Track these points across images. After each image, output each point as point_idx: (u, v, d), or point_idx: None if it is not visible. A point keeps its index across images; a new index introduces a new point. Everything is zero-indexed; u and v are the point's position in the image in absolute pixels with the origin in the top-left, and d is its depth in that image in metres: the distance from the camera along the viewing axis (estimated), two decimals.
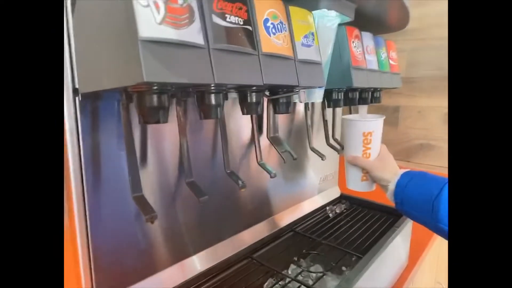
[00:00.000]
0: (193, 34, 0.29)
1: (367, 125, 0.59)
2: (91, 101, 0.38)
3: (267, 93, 0.48)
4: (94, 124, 0.39)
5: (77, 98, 0.34)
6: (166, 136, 0.47)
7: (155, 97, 0.30)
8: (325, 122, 0.71)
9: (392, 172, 0.58)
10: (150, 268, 0.47)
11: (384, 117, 0.60)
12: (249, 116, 0.55)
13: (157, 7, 0.26)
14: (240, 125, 0.59)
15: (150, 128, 0.45)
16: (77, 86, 0.33)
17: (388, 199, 0.59)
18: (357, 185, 0.63)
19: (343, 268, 0.61)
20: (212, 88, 0.35)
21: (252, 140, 0.57)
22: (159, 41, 0.26)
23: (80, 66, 0.33)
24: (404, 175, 0.56)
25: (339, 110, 0.81)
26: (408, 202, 0.54)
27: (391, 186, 0.56)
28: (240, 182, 0.46)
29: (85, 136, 0.37)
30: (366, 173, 0.61)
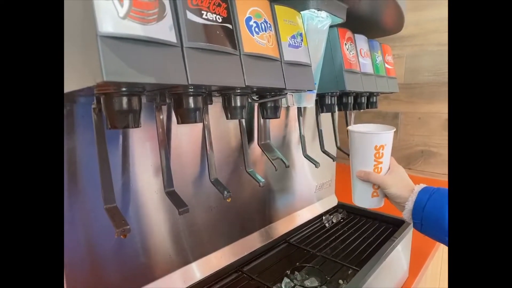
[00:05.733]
0: (163, 30, 0.26)
1: (380, 137, 0.52)
2: (67, 106, 0.37)
3: (255, 97, 0.46)
4: (69, 129, 0.37)
5: None
6: (149, 142, 0.45)
7: (124, 100, 0.28)
8: (319, 128, 0.69)
9: (407, 188, 0.52)
10: (129, 283, 0.44)
11: (395, 129, 0.54)
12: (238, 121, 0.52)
13: (121, 0, 0.24)
14: (232, 130, 0.56)
15: (133, 133, 0.43)
16: None
17: (395, 212, 0.55)
18: (367, 202, 0.57)
19: (340, 281, 0.58)
20: (190, 90, 0.33)
21: (241, 147, 0.54)
22: (122, 38, 0.24)
23: None
24: (422, 192, 0.51)
25: (337, 115, 0.78)
26: (429, 224, 0.49)
27: (409, 205, 0.51)
28: (225, 192, 0.43)
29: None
30: (377, 189, 0.55)
